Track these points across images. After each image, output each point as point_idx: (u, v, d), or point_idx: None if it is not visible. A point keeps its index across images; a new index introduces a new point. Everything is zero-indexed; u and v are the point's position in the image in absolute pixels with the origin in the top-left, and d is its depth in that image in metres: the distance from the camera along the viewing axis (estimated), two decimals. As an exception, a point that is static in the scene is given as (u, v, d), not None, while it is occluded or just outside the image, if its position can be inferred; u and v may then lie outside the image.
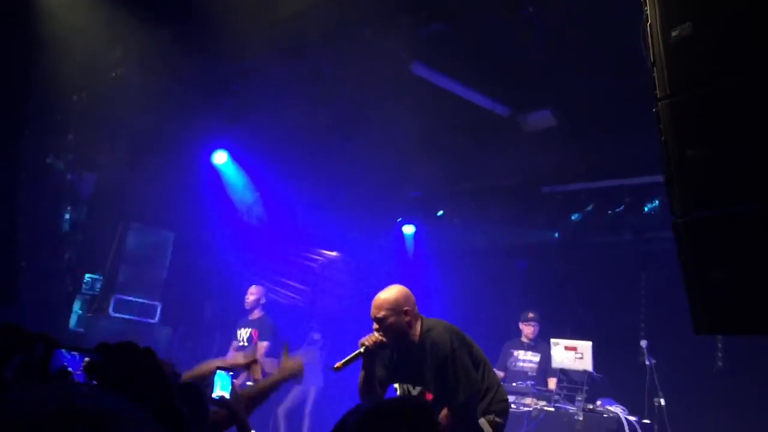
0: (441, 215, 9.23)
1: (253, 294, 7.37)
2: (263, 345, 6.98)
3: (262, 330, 7.14)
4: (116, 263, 7.42)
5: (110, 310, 7.18)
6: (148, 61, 6.35)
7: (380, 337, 3.55)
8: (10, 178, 6.18)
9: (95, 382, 1.84)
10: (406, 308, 3.58)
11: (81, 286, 6.89)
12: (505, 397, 3.75)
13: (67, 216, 6.81)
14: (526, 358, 7.35)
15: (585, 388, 6.22)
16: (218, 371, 2.80)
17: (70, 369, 2.18)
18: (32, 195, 6.40)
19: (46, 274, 6.55)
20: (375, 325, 3.59)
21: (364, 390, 3.70)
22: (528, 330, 7.42)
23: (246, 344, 7.11)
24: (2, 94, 6.01)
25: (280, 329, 7.34)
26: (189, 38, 5.97)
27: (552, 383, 6.88)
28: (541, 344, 7.27)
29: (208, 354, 8.42)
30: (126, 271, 7.21)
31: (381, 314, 3.56)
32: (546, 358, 7.07)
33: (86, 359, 2.11)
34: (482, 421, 3.57)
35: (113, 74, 6.58)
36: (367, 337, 3.59)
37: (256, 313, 7.30)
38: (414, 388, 3.65)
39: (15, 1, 5.63)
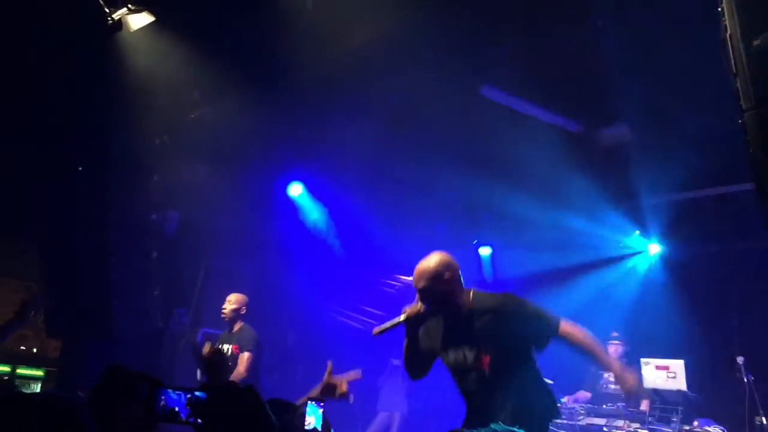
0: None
1: (231, 303, 6.33)
2: (246, 356, 6.03)
3: (242, 344, 6.15)
4: (202, 298, 7.65)
5: (199, 337, 7.36)
6: (223, 101, 6.58)
7: (421, 307, 3.53)
8: (101, 219, 6.48)
9: (200, 421, 1.91)
10: (447, 276, 3.52)
11: (170, 322, 7.10)
12: None
13: (154, 254, 7.06)
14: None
15: (680, 408, 5.97)
16: (309, 402, 2.83)
17: (177, 409, 2.26)
18: (121, 235, 6.69)
19: (136, 311, 6.81)
20: (417, 295, 3.56)
21: (407, 358, 3.71)
22: (611, 349, 7.20)
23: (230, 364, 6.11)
24: (90, 138, 6.33)
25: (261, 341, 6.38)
26: (260, 75, 6.15)
27: (645, 405, 6.63)
28: (633, 364, 7.02)
29: (292, 383, 8.54)
30: (211, 305, 7.39)
31: (421, 284, 3.53)
32: (639, 380, 6.84)
33: (190, 397, 2.18)
34: None
35: (192, 116, 6.84)
36: (409, 305, 3.57)
37: (237, 326, 6.31)
38: (470, 351, 3.56)
39: (98, 48, 5.92)
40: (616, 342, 7.16)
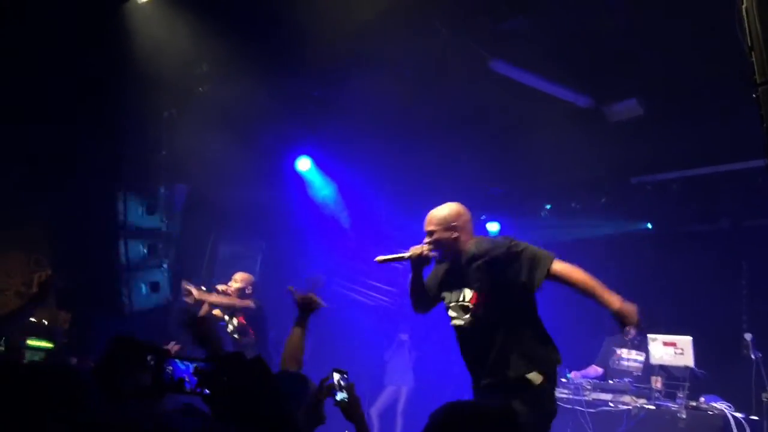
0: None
1: (237, 282, 6.30)
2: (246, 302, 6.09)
3: (250, 318, 6.21)
4: (209, 272, 7.68)
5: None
6: (232, 74, 6.55)
7: (426, 249, 3.71)
8: (112, 194, 6.49)
9: (207, 391, 1.92)
10: (454, 224, 3.71)
11: (177, 296, 7.14)
12: None
13: (164, 228, 7.07)
14: (631, 357, 7.03)
15: (687, 384, 5.98)
16: (334, 373, 2.83)
17: (185, 379, 2.27)
18: (130, 208, 6.70)
19: (146, 284, 6.85)
20: (425, 238, 3.74)
21: (411, 293, 3.94)
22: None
23: (237, 336, 6.21)
24: (98, 112, 6.31)
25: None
26: (270, 49, 6.11)
27: (657, 383, 6.60)
28: (645, 341, 7.01)
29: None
30: (219, 279, 7.40)
31: (429, 228, 3.75)
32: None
33: (196, 367, 2.19)
34: None
35: (200, 89, 6.81)
36: (416, 246, 3.75)
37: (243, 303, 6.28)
38: (467, 292, 3.71)
39: (103, 23, 5.88)
40: None
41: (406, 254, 3.76)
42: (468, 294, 3.71)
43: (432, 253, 3.74)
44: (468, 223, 3.78)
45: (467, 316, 3.72)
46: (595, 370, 7.09)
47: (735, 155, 7.08)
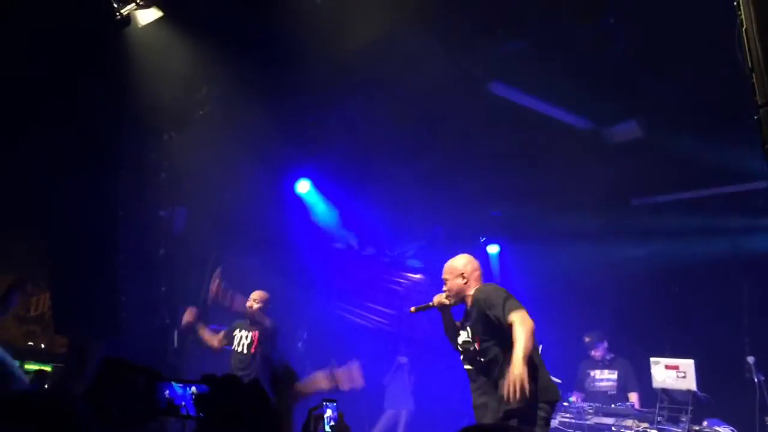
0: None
1: (256, 302, 6.49)
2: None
3: (264, 334, 6.36)
4: (209, 294, 7.62)
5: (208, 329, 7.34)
6: (231, 97, 6.57)
7: (444, 296, 4.29)
8: (110, 216, 6.46)
9: (203, 415, 1.88)
10: (462, 272, 4.25)
11: (177, 318, 7.09)
12: None
13: (162, 250, 7.04)
14: (604, 377, 7.16)
15: (690, 408, 5.93)
16: (324, 403, 2.82)
17: (183, 403, 2.23)
18: (129, 232, 6.68)
19: (143, 307, 6.79)
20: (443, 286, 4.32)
21: (447, 334, 4.41)
22: (593, 352, 7.25)
23: (245, 351, 6.38)
24: (99, 135, 6.31)
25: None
26: (267, 72, 6.13)
27: (633, 398, 6.69)
28: (616, 360, 7.13)
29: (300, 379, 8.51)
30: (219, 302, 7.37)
31: (443, 276, 4.33)
32: (625, 373, 6.93)
33: (194, 391, 2.16)
34: None
35: (200, 113, 6.82)
36: (438, 293, 4.33)
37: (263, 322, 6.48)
38: (468, 335, 4.21)
39: (104, 45, 5.91)
40: (594, 346, 7.20)
41: (432, 303, 4.35)
42: (469, 336, 4.19)
43: (449, 299, 4.28)
44: (475, 271, 4.29)
45: (470, 355, 4.19)
46: (578, 395, 7.11)
47: (735, 177, 7.08)
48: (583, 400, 6.91)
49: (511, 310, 3.86)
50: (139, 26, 5.84)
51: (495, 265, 9.97)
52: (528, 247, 9.45)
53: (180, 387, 2.28)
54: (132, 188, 6.70)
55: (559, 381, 6.77)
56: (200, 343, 6.81)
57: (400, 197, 8.48)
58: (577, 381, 7.32)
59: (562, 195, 7.98)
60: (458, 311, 4.43)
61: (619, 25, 5.10)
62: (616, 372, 7.07)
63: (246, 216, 7.57)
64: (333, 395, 2.91)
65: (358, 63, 5.81)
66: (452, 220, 9.05)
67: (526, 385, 3.58)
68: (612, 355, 7.20)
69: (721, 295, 7.81)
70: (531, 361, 3.79)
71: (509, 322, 3.83)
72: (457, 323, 4.35)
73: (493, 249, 9.88)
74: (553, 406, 4.04)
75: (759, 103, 2.43)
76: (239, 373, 6.16)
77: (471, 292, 4.21)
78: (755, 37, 2.40)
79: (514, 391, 3.56)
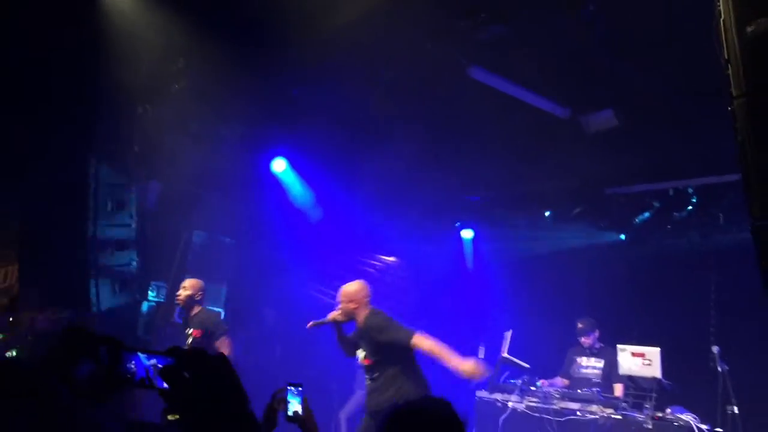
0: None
1: (186, 289, 6.30)
2: (225, 342, 6.05)
3: (209, 329, 6.14)
4: (180, 271, 7.57)
5: (175, 317, 7.31)
6: (208, 71, 6.47)
7: (336, 314, 5.13)
8: (81, 189, 6.37)
9: (167, 386, 1.86)
10: (352, 299, 5.10)
11: (147, 294, 7.03)
12: None
13: (133, 225, 6.96)
14: (590, 365, 7.20)
15: (654, 395, 6.02)
16: (289, 387, 2.81)
17: (147, 373, 2.20)
18: (100, 205, 6.59)
19: (114, 282, 6.72)
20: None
21: (340, 344, 5.33)
22: (582, 339, 7.30)
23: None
24: (73, 108, 6.21)
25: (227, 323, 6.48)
26: (247, 47, 6.05)
27: (618, 390, 6.71)
28: (605, 349, 7.10)
29: (270, 361, 8.51)
30: (192, 277, 7.31)
31: (337, 299, 5.19)
32: (611, 363, 6.90)
33: (158, 364, 2.14)
34: None
35: (176, 86, 6.72)
36: (332, 311, 5.17)
37: (195, 310, 6.30)
38: (362, 353, 5.11)
39: (82, 15, 5.79)
40: (584, 333, 7.24)
41: (327, 319, 5.16)
42: (363, 355, 5.11)
43: (341, 317, 5.13)
44: (365, 297, 5.15)
45: (364, 370, 5.15)
46: (562, 381, 7.18)
47: (708, 169, 7.16)
48: (567, 387, 6.95)
49: (410, 334, 4.83)
50: (114, -3, 5.73)
51: (468, 249, 10.02)
52: (501, 232, 9.50)
53: (146, 357, 2.25)
54: (104, 161, 6.61)
55: (525, 365, 6.89)
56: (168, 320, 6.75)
57: (376, 179, 8.46)
58: (564, 367, 7.34)
59: (537, 181, 8.02)
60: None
61: (598, 13, 5.10)
62: (602, 361, 7.07)
63: (220, 193, 7.50)
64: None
65: (339, 42, 5.75)
66: (428, 204, 9.05)
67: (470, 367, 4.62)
68: (601, 345, 7.21)
69: (689, 285, 7.93)
70: (419, 367, 5.02)
71: (413, 344, 4.82)
72: (350, 337, 5.26)
73: (467, 234, 9.93)
74: None
75: (734, 94, 2.44)
76: None
77: (362, 313, 5.08)
78: (732, 28, 2.41)
79: (479, 371, 4.66)
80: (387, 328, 4.98)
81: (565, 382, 7.19)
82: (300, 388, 2.82)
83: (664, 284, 8.04)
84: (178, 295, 6.33)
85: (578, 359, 7.29)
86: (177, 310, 6.79)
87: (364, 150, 7.56)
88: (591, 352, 7.24)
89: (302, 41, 5.77)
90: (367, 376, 5.16)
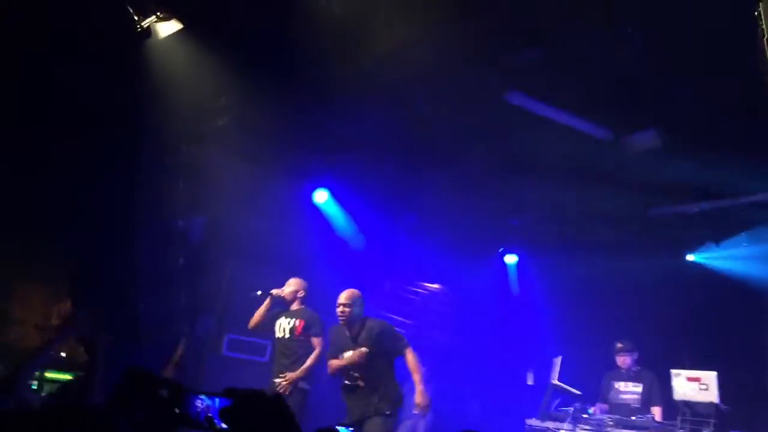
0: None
1: (290, 285, 6.61)
2: (318, 341, 6.32)
3: (311, 324, 6.39)
4: (227, 303, 7.65)
5: (223, 349, 7.39)
6: (249, 107, 6.61)
7: (339, 311, 5.68)
8: (129, 225, 6.53)
9: (226, 427, 1.88)
10: (350, 303, 5.65)
11: (195, 327, 7.12)
12: None
13: (180, 260, 7.09)
14: (628, 390, 7.01)
15: (713, 421, 5.83)
16: (338, 428, 2.80)
17: (210, 415, 2.24)
18: (148, 241, 6.73)
19: (162, 316, 6.84)
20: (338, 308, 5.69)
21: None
22: (620, 360, 7.13)
23: (287, 335, 6.38)
24: (119, 145, 6.38)
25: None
26: (288, 81, 6.16)
27: (657, 413, 6.53)
28: (643, 372, 6.96)
29: (317, 391, 8.50)
30: (237, 311, 7.38)
31: (339, 300, 5.70)
32: (649, 386, 6.77)
33: (220, 405, 2.16)
34: None
35: (219, 123, 6.87)
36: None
37: (296, 305, 6.55)
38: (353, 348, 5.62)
39: (127, 56, 5.98)
40: (623, 354, 7.09)
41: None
42: (349, 353, 5.60)
43: (344, 317, 5.69)
44: (360, 306, 5.72)
45: (351, 371, 5.62)
46: (601, 407, 6.98)
47: (756, 187, 6.99)
48: (606, 412, 6.79)
49: (406, 344, 5.67)
50: (160, 38, 5.91)
51: (513, 275, 9.92)
52: (546, 257, 9.39)
53: (209, 399, 2.29)
54: (151, 198, 6.77)
55: (578, 392, 6.74)
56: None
57: (418, 209, 8.47)
58: (602, 393, 7.18)
59: (580, 204, 7.92)
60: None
61: (636, 32, 5.06)
62: (641, 385, 6.91)
63: (263, 226, 7.59)
64: None
65: (377, 73, 5.82)
66: (470, 230, 9.01)
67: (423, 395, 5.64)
68: (638, 368, 7.05)
69: (742, 307, 7.71)
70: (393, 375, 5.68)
71: (405, 354, 5.64)
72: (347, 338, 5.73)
73: (511, 259, 9.84)
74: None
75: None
76: (283, 361, 6.28)
77: (357, 320, 5.66)
78: (776, 45, 2.38)
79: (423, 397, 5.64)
80: (386, 332, 5.69)
81: (604, 407, 6.99)
82: (351, 429, 2.81)
83: (716, 306, 7.82)
84: (283, 290, 6.56)
85: (616, 384, 7.12)
86: (226, 337, 6.84)
87: (405, 178, 7.58)
88: (629, 376, 7.06)
89: (340, 73, 5.86)
90: (349, 379, 5.63)
